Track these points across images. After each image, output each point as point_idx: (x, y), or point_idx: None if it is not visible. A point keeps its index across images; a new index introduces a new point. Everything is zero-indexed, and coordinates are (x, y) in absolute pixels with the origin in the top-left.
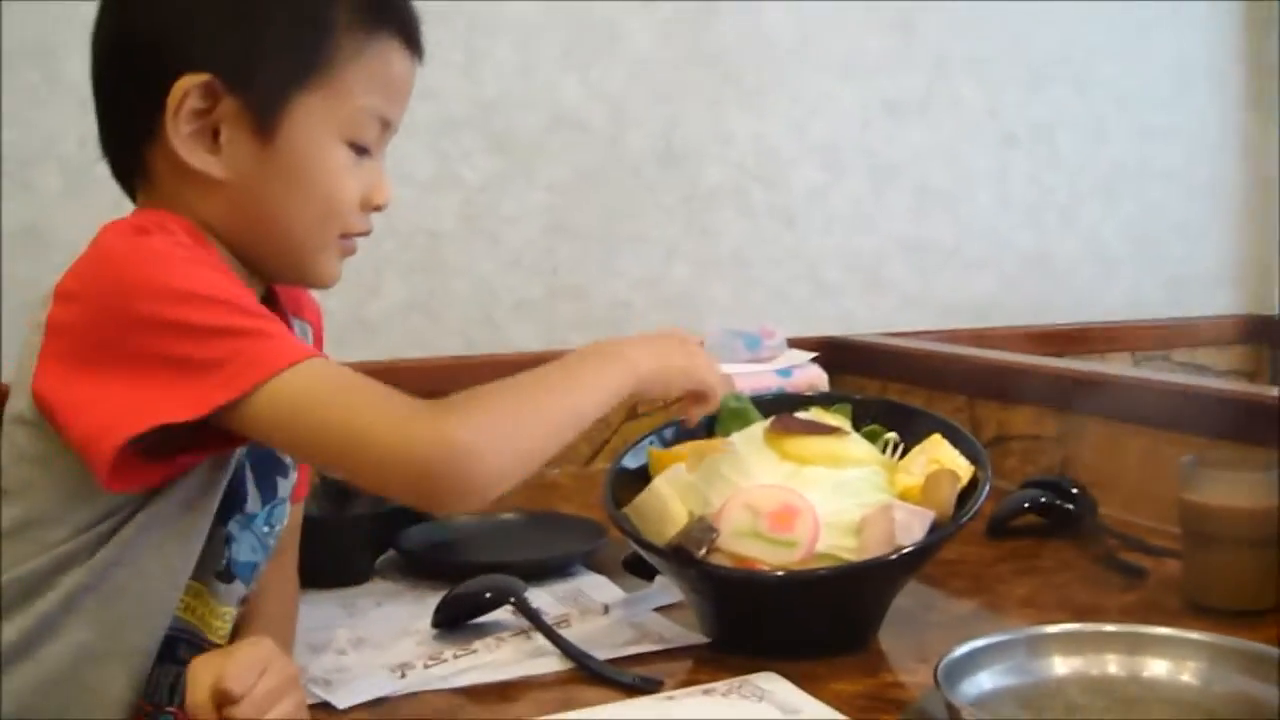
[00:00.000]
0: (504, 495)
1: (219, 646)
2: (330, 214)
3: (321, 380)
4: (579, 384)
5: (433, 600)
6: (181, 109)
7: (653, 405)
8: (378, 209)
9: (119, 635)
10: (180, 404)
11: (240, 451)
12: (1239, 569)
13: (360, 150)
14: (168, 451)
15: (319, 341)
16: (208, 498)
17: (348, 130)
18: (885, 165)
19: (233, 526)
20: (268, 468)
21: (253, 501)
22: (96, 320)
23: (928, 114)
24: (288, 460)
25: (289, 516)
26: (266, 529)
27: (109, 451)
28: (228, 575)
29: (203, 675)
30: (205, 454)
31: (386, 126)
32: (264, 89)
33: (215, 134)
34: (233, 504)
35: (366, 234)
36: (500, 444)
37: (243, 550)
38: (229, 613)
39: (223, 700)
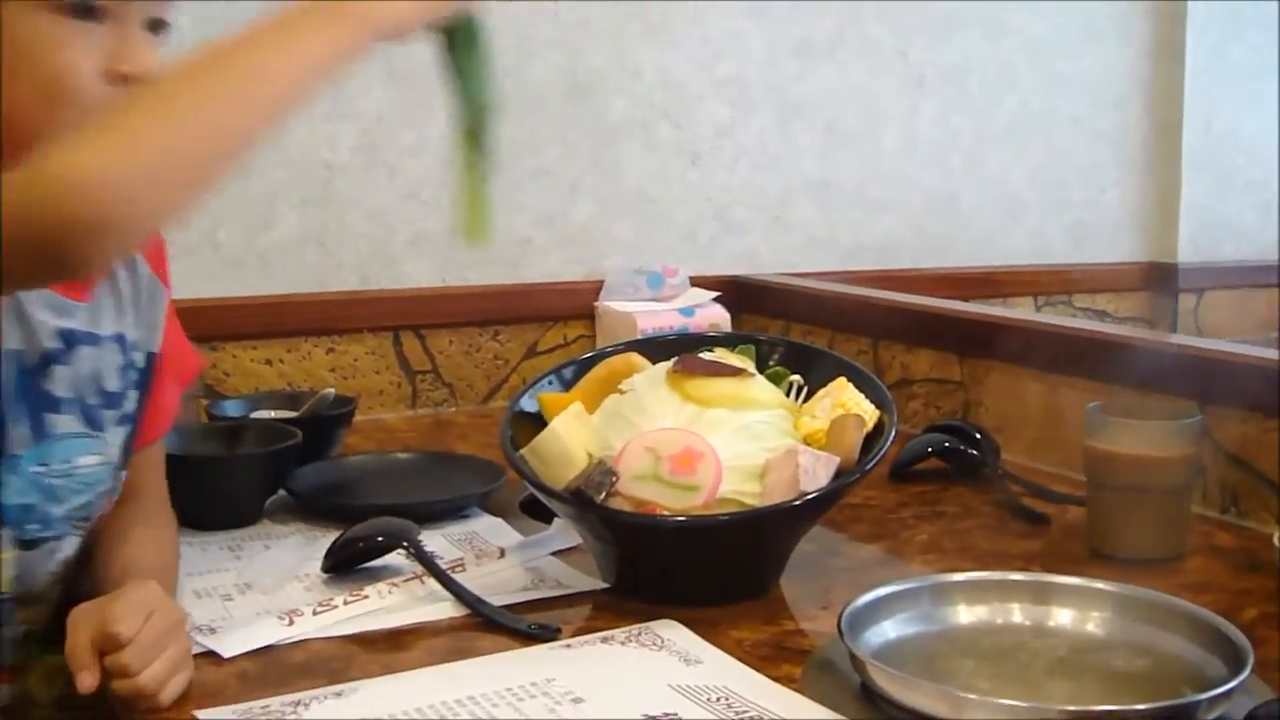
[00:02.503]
0: (398, 433)
1: None
2: (58, 93)
3: None
4: (281, 42)
5: (323, 543)
6: None
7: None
8: (127, 79)
9: None
10: None
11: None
12: (1143, 517)
13: (84, 13)
14: None
15: (161, 258)
16: None
17: None
18: (793, 104)
19: None
20: (36, 403)
21: (18, 442)
22: None
23: (837, 55)
24: (61, 395)
25: (145, 457)
26: (40, 469)
27: None
28: None
29: (82, 621)
30: None
31: None
32: None
33: None
34: None
35: None
36: (129, 151)
37: (8, 493)
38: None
39: (107, 645)
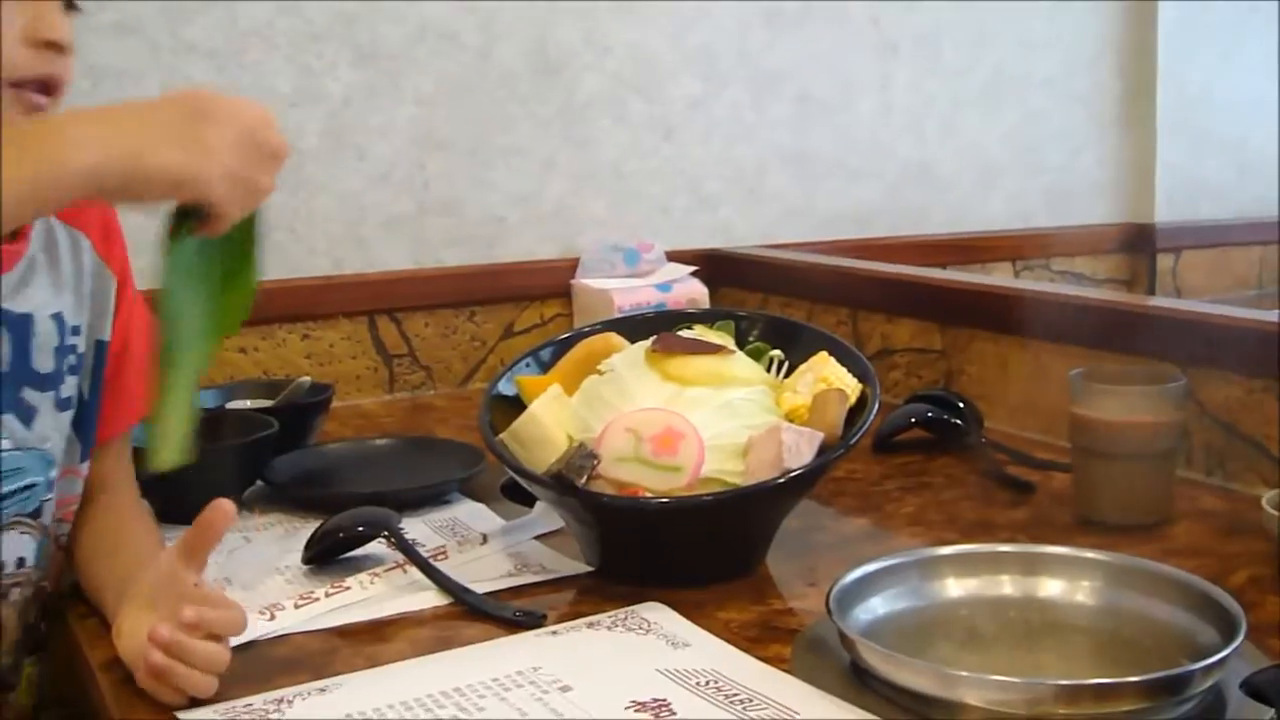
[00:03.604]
0: (376, 418)
1: None
2: None
3: None
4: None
5: (303, 534)
6: None
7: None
8: (51, 46)
9: None
10: None
11: None
12: (1129, 483)
13: None
14: None
15: (113, 246)
16: None
17: None
18: (765, 75)
19: None
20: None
21: None
22: None
23: (807, 23)
24: (41, 370)
25: (113, 450)
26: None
27: None
28: None
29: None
30: None
31: None
32: None
33: None
34: None
35: (53, 80)
36: None
37: None
38: None
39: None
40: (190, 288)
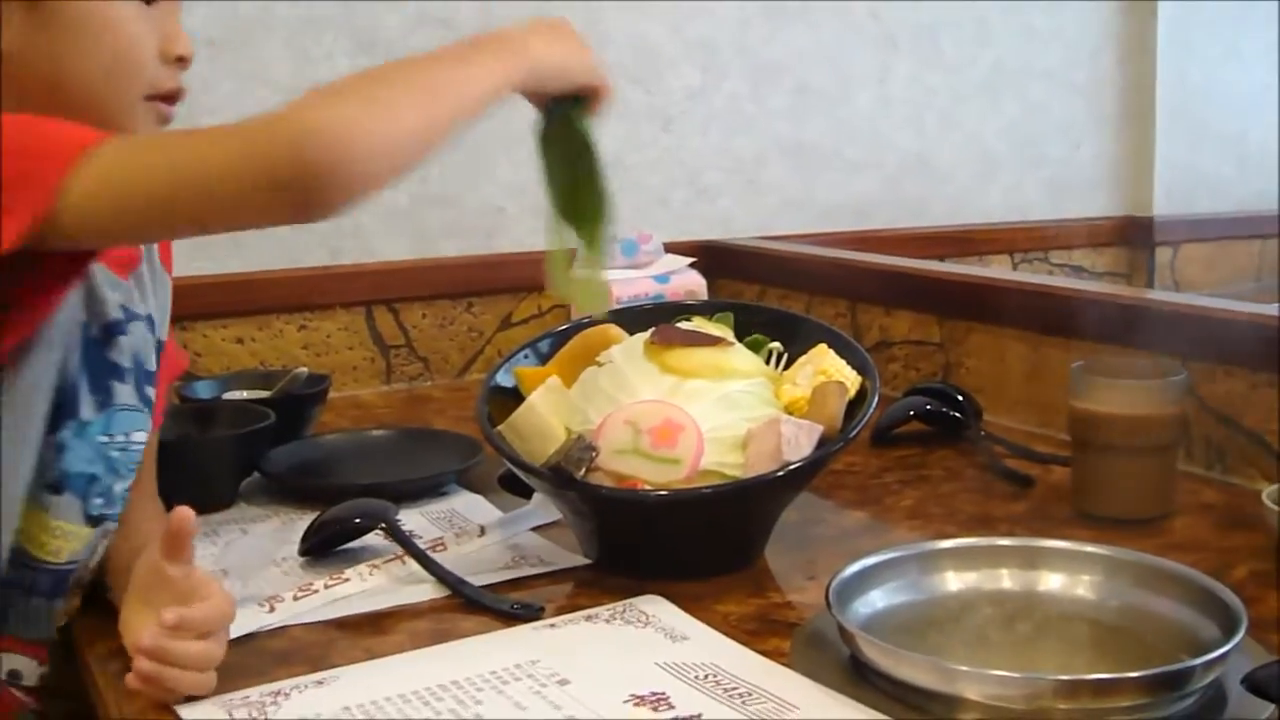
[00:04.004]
0: (373, 409)
1: (47, 565)
2: (124, 69)
3: (127, 151)
4: (459, 64)
5: (300, 525)
6: None
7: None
8: (181, 61)
9: None
10: None
11: (69, 355)
12: (1128, 477)
13: None
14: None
15: (167, 246)
16: (34, 404)
17: None
18: (765, 66)
19: (65, 435)
20: (103, 372)
21: (87, 408)
22: None
23: (808, 15)
24: (124, 365)
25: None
26: (105, 439)
27: None
28: (57, 487)
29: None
30: (58, 288)
31: None
32: None
33: None
34: (64, 411)
35: (177, 93)
36: (360, 117)
37: (75, 460)
38: (62, 528)
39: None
40: (572, 163)
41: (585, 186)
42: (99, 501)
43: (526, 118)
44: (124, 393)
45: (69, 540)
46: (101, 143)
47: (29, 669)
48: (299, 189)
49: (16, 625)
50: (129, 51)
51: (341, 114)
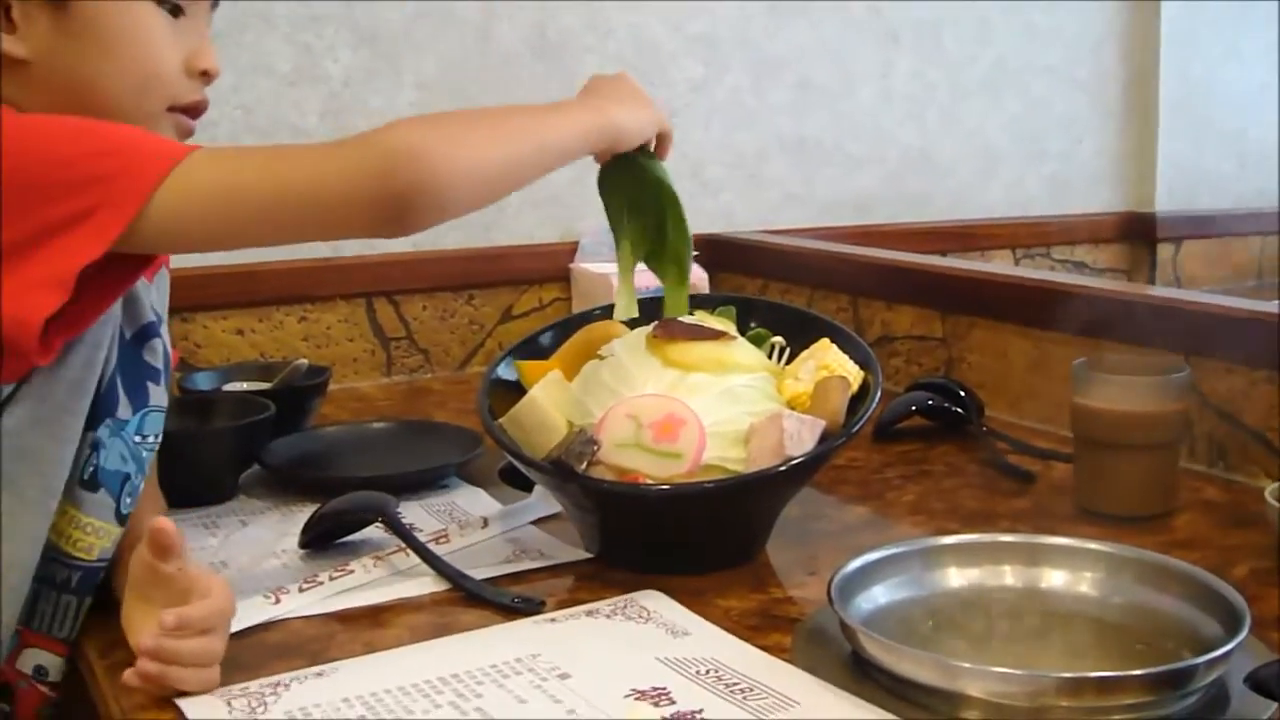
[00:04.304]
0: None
1: (79, 562)
2: (148, 81)
3: (221, 166)
4: (543, 115)
5: (300, 517)
6: None
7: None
8: (205, 76)
9: None
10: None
11: (109, 354)
12: (1131, 474)
13: (173, 9)
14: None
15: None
16: (77, 400)
17: None
18: (767, 61)
19: (102, 432)
20: (138, 372)
21: (124, 407)
22: None
23: (810, 10)
24: (158, 365)
25: None
26: (138, 438)
27: (35, 326)
28: (93, 484)
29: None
30: (119, 288)
31: None
32: None
33: (9, 10)
34: (102, 409)
35: (200, 106)
36: (452, 145)
37: (111, 458)
38: (94, 525)
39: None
40: (645, 206)
41: (665, 226)
42: (129, 500)
43: None
44: (156, 394)
45: (101, 538)
46: (190, 156)
47: (53, 664)
48: (392, 205)
49: (44, 621)
50: (153, 63)
51: (436, 139)
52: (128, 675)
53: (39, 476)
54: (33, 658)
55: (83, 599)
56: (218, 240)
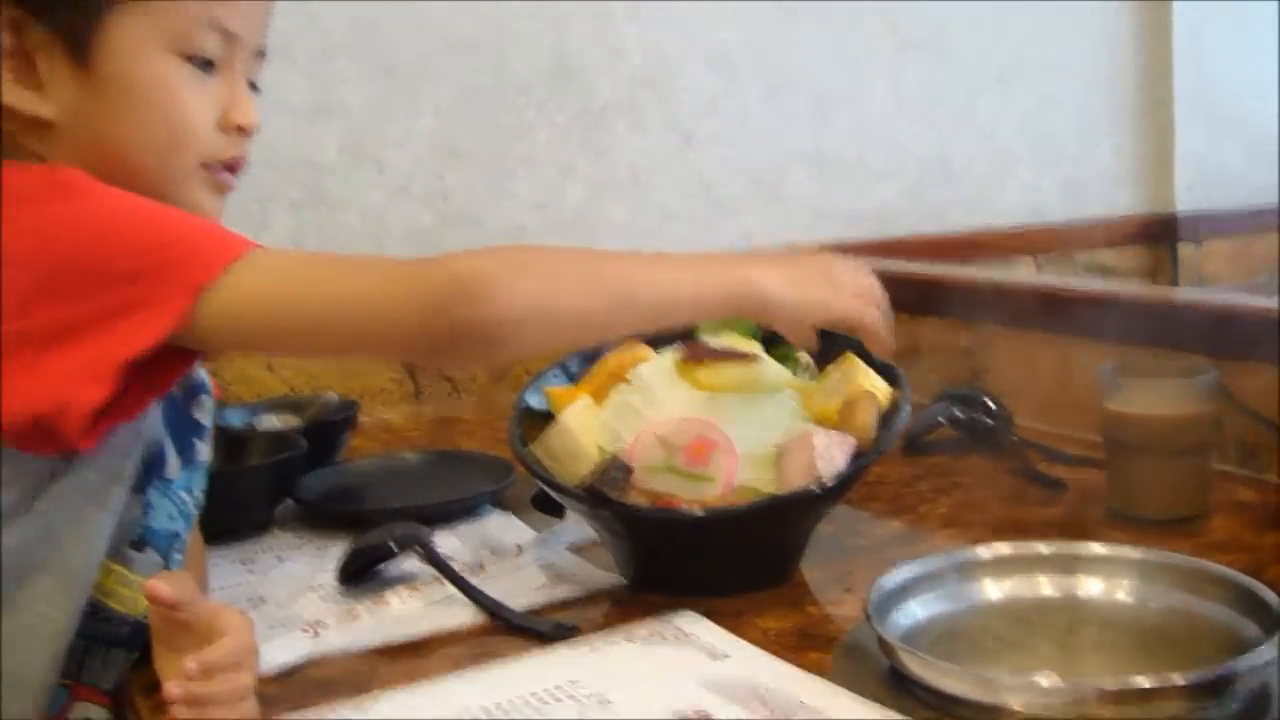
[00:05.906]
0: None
1: (120, 616)
2: (178, 138)
3: (277, 272)
4: (650, 266)
5: (334, 551)
6: None
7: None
8: (241, 131)
9: (39, 616)
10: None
11: (157, 417)
12: (1163, 477)
13: (204, 65)
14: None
15: None
16: (125, 465)
17: (176, 42)
18: (782, 76)
19: (151, 494)
20: (185, 430)
21: (172, 467)
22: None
23: (822, 21)
24: (205, 423)
25: None
26: (186, 495)
27: (79, 419)
28: (141, 544)
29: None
30: (175, 375)
31: (230, 37)
32: (68, 9)
33: (36, 69)
34: (153, 471)
35: (237, 161)
36: (522, 282)
37: (159, 517)
38: (142, 582)
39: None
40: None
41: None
42: (179, 557)
43: (545, 136)
44: (203, 450)
45: (140, 593)
46: (247, 255)
47: (99, 716)
48: (445, 337)
49: (93, 675)
50: (181, 120)
51: (506, 274)
52: None
53: (86, 547)
54: (82, 710)
55: (131, 652)
56: (266, 345)
